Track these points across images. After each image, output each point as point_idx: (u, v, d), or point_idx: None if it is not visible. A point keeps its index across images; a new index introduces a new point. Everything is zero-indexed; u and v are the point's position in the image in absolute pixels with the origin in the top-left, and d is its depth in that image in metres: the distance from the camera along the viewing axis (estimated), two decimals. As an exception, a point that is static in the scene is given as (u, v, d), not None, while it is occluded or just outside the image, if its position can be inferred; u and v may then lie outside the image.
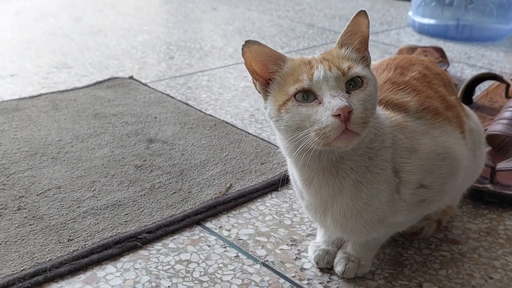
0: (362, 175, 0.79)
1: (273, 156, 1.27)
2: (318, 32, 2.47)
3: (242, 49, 0.74)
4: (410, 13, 2.58)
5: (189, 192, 1.12)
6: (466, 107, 1.04)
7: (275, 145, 1.35)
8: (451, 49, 2.25)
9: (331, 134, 0.70)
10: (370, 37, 0.81)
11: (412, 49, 1.84)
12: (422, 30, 2.50)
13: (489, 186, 1.12)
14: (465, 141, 0.90)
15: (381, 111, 0.83)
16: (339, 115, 0.69)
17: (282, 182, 1.15)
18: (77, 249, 0.93)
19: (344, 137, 0.71)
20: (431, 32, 2.46)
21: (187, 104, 1.58)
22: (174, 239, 0.99)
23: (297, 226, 1.04)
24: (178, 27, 2.49)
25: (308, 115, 0.72)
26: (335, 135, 0.70)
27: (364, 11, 0.76)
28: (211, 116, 1.50)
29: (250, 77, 0.79)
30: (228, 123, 1.46)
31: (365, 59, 0.78)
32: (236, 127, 1.43)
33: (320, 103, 0.72)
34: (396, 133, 0.81)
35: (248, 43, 0.74)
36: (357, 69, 0.74)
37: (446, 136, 0.86)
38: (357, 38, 0.77)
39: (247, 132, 1.41)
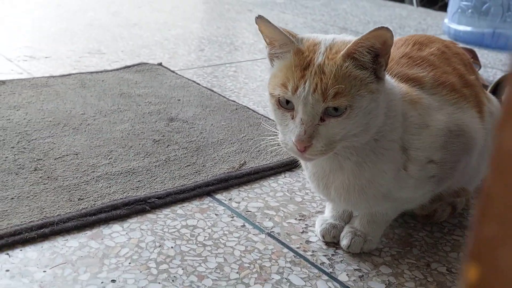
0: (364, 157, 0.78)
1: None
2: (351, 34, 2.45)
3: (255, 20, 0.73)
4: (446, 20, 2.54)
5: (203, 166, 1.13)
6: (488, 93, 1.01)
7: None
8: (485, 56, 2.20)
9: (291, 152, 0.76)
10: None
11: (443, 49, 1.81)
12: (458, 37, 2.45)
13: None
14: (483, 121, 0.87)
15: (396, 87, 0.81)
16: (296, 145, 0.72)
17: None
18: (86, 208, 0.95)
19: (303, 158, 0.75)
20: (466, 39, 2.41)
21: (212, 90, 1.59)
22: (183, 206, 0.99)
23: (307, 203, 1.03)
24: (212, 24, 2.53)
25: (280, 122, 0.75)
26: (294, 154, 0.76)
27: (387, 27, 0.68)
28: (234, 101, 1.51)
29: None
30: (249, 109, 1.46)
31: (380, 67, 0.72)
32: (257, 113, 1.44)
33: (292, 118, 0.72)
34: (408, 110, 0.79)
35: (259, 18, 0.72)
36: (343, 100, 0.68)
37: (462, 113, 0.84)
38: (371, 55, 0.70)
39: (267, 117, 1.41)
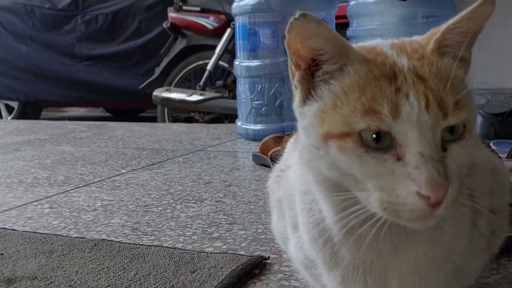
0: None
1: (203, 260, 0.92)
2: (152, 152, 2.20)
3: (291, 23, 0.46)
4: (238, 123, 2.52)
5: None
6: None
7: (192, 250, 1.00)
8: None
9: (406, 215, 0.46)
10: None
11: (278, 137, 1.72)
12: (257, 136, 2.43)
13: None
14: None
15: None
16: (428, 197, 0.45)
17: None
18: None
19: (424, 221, 0.47)
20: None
21: (38, 233, 1.13)
22: None
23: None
24: (-21, 168, 1.98)
25: (377, 174, 0.46)
26: (412, 217, 0.46)
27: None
28: (82, 238, 1.09)
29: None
30: (111, 241, 1.06)
31: (465, 63, 0.51)
32: (125, 243, 1.05)
33: (399, 159, 0.46)
34: None
35: (303, 17, 0.45)
36: (464, 112, 0.47)
37: (480, 148, 0.68)
38: (467, 39, 0.50)
39: (145, 245, 1.03)
